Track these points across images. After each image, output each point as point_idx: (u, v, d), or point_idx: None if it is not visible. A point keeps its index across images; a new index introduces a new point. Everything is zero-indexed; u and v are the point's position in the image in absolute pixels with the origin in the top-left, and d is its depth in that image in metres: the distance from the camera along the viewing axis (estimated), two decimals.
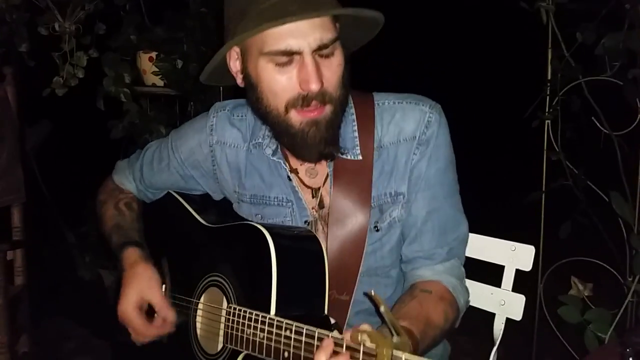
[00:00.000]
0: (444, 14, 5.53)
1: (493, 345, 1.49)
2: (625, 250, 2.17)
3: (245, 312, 1.19)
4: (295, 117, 1.21)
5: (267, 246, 1.18)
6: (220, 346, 1.28)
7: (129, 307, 1.39)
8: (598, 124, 2.23)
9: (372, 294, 0.95)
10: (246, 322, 1.18)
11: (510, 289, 1.53)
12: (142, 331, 1.40)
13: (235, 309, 1.22)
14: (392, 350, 0.91)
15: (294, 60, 1.17)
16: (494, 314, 1.55)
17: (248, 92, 1.28)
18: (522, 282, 1.56)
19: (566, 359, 2.25)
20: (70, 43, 2.60)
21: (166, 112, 3.02)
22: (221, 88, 2.73)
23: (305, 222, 1.37)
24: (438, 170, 1.33)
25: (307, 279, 1.24)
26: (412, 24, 5.51)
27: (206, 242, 1.43)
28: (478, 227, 1.54)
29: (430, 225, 1.33)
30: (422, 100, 1.35)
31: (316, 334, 1.04)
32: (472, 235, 1.50)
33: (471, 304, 1.44)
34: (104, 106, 2.76)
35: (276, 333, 1.11)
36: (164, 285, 1.48)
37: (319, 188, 1.37)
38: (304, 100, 1.19)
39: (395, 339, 0.93)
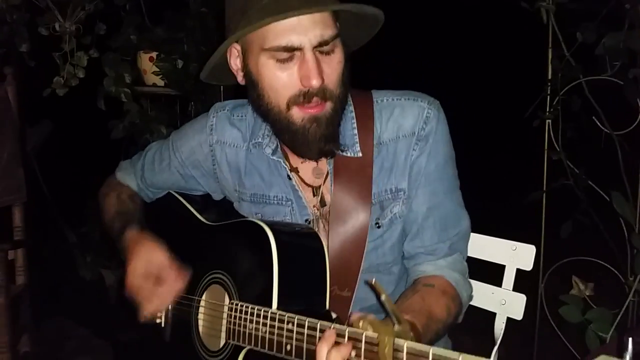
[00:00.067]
0: (445, 13, 5.53)
1: (494, 344, 1.49)
2: (626, 249, 2.17)
3: (247, 307, 1.20)
4: (297, 114, 1.21)
5: (269, 242, 1.18)
6: (222, 342, 1.28)
7: (136, 277, 1.35)
8: (599, 124, 2.23)
9: (373, 282, 0.95)
10: (248, 317, 1.19)
11: (511, 288, 1.53)
12: (154, 297, 1.35)
13: (237, 304, 1.23)
14: (394, 338, 0.91)
15: (295, 56, 1.17)
16: (494, 314, 1.55)
17: (249, 90, 1.29)
18: (523, 281, 1.56)
19: (567, 359, 2.25)
20: (71, 43, 2.61)
21: (167, 112, 3.02)
22: (222, 88, 2.73)
23: (306, 220, 1.37)
24: (438, 165, 1.33)
25: (308, 274, 1.24)
26: (413, 23, 5.51)
27: (207, 240, 1.44)
28: (479, 226, 1.54)
29: (432, 221, 1.34)
30: (420, 97, 1.35)
31: (318, 325, 1.05)
32: (473, 235, 1.49)
33: (472, 303, 1.44)
34: (105, 106, 2.77)
35: (278, 327, 1.12)
36: None
37: (319, 186, 1.37)
38: (305, 97, 1.19)
39: (396, 327, 0.93)
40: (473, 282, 1.51)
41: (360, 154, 1.32)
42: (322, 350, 0.99)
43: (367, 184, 1.32)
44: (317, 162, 1.35)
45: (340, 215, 1.32)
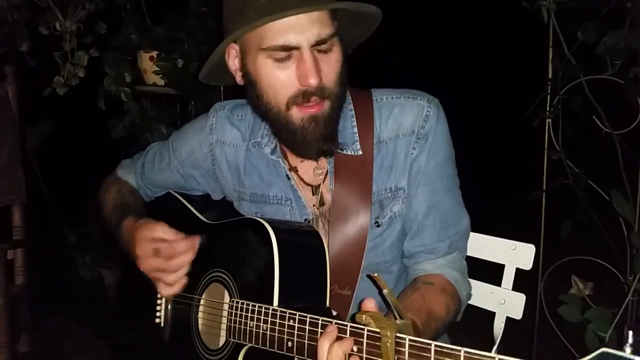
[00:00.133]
0: (445, 13, 5.53)
1: (493, 344, 1.49)
2: (626, 249, 2.17)
3: (248, 305, 1.20)
4: (297, 114, 1.21)
5: (269, 239, 1.18)
6: (223, 341, 1.28)
7: (147, 259, 1.33)
8: (599, 123, 2.23)
9: (375, 275, 0.95)
10: (249, 314, 1.19)
11: (511, 287, 1.53)
12: (172, 271, 1.32)
13: (237, 302, 1.23)
14: (396, 333, 0.91)
15: (293, 55, 1.17)
16: (494, 313, 1.55)
17: (248, 90, 1.29)
18: (522, 281, 1.56)
19: (566, 358, 2.25)
20: (71, 42, 2.61)
21: (167, 111, 3.02)
22: (222, 87, 2.73)
23: (306, 220, 1.37)
24: (437, 164, 1.33)
25: (308, 272, 1.24)
26: (413, 22, 5.51)
27: (207, 238, 1.44)
28: (478, 226, 1.54)
29: (431, 220, 1.34)
30: (420, 95, 1.35)
31: (320, 321, 1.05)
32: (472, 234, 1.50)
33: (471, 302, 1.44)
34: (105, 105, 2.77)
35: (279, 323, 1.12)
36: None
37: (319, 185, 1.37)
38: (303, 96, 1.19)
39: (399, 321, 0.93)
40: (472, 281, 1.51)
41: (360, 152, 1.32)
42: (324, 345, 0.99)
43: (367, 183, 1.32)
44: (316, 161, 1.35)
45: (341, 214, 1.32)
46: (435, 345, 0.87)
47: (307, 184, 1.37)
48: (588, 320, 1.89)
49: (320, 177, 1.37)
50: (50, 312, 3.14)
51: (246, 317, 1.19)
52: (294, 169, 1.38)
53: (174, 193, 1.59)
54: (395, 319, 0.94)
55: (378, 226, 1.34)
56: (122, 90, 2.74)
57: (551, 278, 2.40)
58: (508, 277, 1.54)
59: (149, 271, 1.35)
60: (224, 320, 1.27)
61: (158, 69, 2.78)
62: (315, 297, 1.23)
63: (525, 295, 1.51)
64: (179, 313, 1.43)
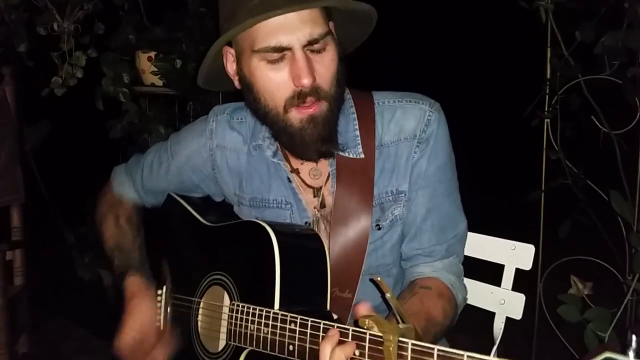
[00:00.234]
0: (443, 13, 5.53)
1: (493, 344, 1.49)
2: (625, 249, 2.17)
3: (248, 308, 1.19)
4: (295, 116, 1.21)
5: (270, 242, 1.18)
6: (223, 344, 1.28)
7: (125, 344, 1.40)
8: (597, 123, 2.23)
9: (378, 279, 0.95)
10: (250, 318, 1.18)
11: (510, 288, 1.53)
12: (143, 356, 1.41)
13: (238, 305, 1.22)
14: (399, 337, 0.91)
15: (286, 56, 1.17)
16: (493, 313, 1.56)
17: (245, 94, 1.28)
18: (521, 281, 1.56)
19: (566, 358, 2.25)
20: (69, 43, 2.60)
21: (165, 112, 3.02)
22: None
23: (306, 222, 1.37)
24: (438, 167, 1.33)
25: (309, 275, 1.24)
26: (412, 22, 5.51)
27: (208, 241, 1.44)
28: (477, 226, 1.54)
29: (430, 223, 1.34)
30: (421, 99, 1.35)
31: (322, 325, 1.04)
32: (472, 235, 1.50)
33: (471, 303, 1.44)
34: (103, 106, 2.76)
35: (280, 327, 1.12)
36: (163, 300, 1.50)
37: (320, 187, 1.36)
38: (299, 97, 1.18)
39: (401, 325, 0.93)
40: (472, 281, 1.51)
41: (362, 156, 1.32)
42: (326, 349, 0.99)
43: (369, 186, 1.32)
44: (316, 162, 1.35)
45: (342, 217, 1.32)
46: (438, 350, 0.87)
47: (309, 186, 1.37)
48: (587, 320, 1.89)
49: (320, 178, 1.36)
50: (50, 312, 3.14)
51: (247, 320, 1.19)
52: (295, 171, 1.37)
53: (174, 195, 1.58)
54: (398, 322, 0.94)
55: (379, 229, 1.34)
56: (121, 91, 2.74)
57: (550, 278, 2.40)
58: (508, 277, 1.54)
59: (123, 352, 1.41)
60: (224, 323, 1.27)
61: (156, 69, 2.78)
62: (316, 300, 1.23)
63: (525, 295, 1.51)
64: (179, 316, 1.43)
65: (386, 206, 1.34)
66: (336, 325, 1.02)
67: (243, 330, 1.20)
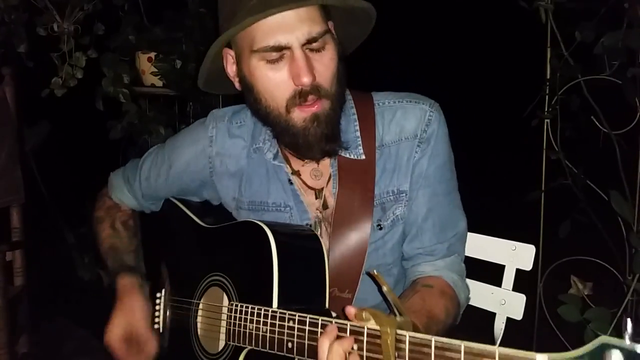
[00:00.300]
0: (443, 12, 5.53)
1: (493, 344, 1.49)
2: (625, 249, 2.17)
3: (247, 307, 1.19)
4: (298, 116, 1.20)
5: (268, 242, 1.18)
6: (222, 344, 1.28)
7: (113, 337, 1.41)
8: (597, 123, 2.23)
9: (375, 273, 0.96)
10: (248, 317, 1.19)
11: (511, 288, 1.53)
12: (128, 355, 1.42)
13: (237, 305, 1.22)
14: (396, 330, 0.91)
15: (285, 56, 1.16)
16: (494, 314, 1.56)
17: (246, 95, 1.28)
18: (521, 281, 1.56)
19: None
20: (69, 43, 2.60)
21: (165, 112, 3.02)
22: None
23: (307, 224, 1.37)
24: (438, 167, 1.34)
25: (307, 275, 1.24)
26: (412, 22, 5.51)
27: (205, 242, 1.44)
28: (478, 226, 1.54)
29: (431, 222, 1.34)
30: (421, 99, 1.35)
31: (319, 321, 1.05)
32: (472, 235, 1.50)
33: (472, 303, 1.44)
34: (103, 107, 2.76)
35: (279, 325, 1.12)
36: (160, 304, 1.51)
37: (322, 189, 1.36)
38: (300, 96, 1.18)
39: (398, 318, 0.93)
40: (473, 282, 1.51)
41: (363, 157, 1.32)
42: (324, 344, 0.99)
43: (370, 186, 1.32)
44: (317, 163, 1.35)
45: (343, 218, 1.32)
46: (436, 341, 0.87)
47: (310, 188, 1.37)
48: (587, 320, 1.89)
49: (322, 180, 1.36)
50: (50, 313, 3.14)
51: (245, 319, 1.19)
52: (296, 173, 1.37)
53: (172, 199, 1.58)
54: (395, 316, 0.94)
55: (380, 229, 1.34)
56: (121, 92, 2.74)
57: (550, 278, 2.40)
58: (508, 277, 1.54)
59: (110, 346, 1.42)
60: (223, 323, 1.27)
61: (156, 70, 2.78)
62: (315, 299, 1.23)
63: (525, 295, 1.51)
64: (178, 318, 1.43)
65: (387, 206, 1.34)
66: (334, 320, 1.02)
67: (242, 330, 1.20)
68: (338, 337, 0.99)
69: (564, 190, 2.41)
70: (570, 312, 1.92)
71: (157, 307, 1.49)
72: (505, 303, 1.53)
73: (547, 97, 2.41)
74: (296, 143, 1.24)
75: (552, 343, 2.35)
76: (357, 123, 1.34)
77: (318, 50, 1.18)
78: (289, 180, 1.37)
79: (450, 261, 1.35)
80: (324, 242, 1.28)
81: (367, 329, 0.96)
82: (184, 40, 2.83)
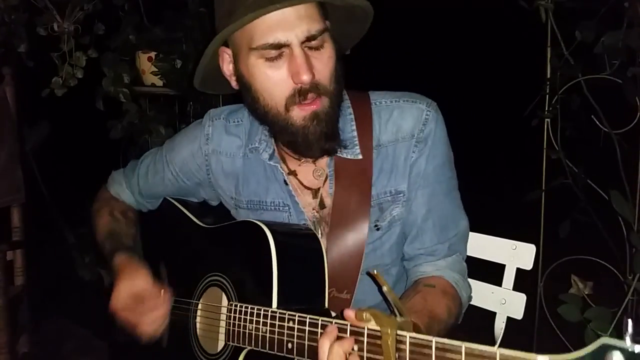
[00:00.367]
0: (443, 12, 5.53)
1: (494, 344, 1.49)
2: (625, 248, 2.16)
3: (246, 308, 1.19)
4: (297, 114, 1.20)
5: (267, 242, 1.18)
6: (221, 345, 1.28)
7: (119, 300, 1.36)
8: (598, 123, 2.23)
9: (375, 273, 0.96)
10: (248, 317, 1.19)
11: (511, 287, 1.53)
12: (140, 317, 1.36)
13: (236, 305, 1.22)
14: (397, 330, 0.91)
15: (284, 54, 1.16)
16: (494, 313, 1.56)
17: (243, 94, 1.28)
18: (522, 281, 1.56)
19: None
20: (69, 43, 2.60)
21: (165, 112, 3.02)
22: None
23: (304, 224, 1.37)
24: (436, 167, 1.33)
25: (306, 275, 1.24)
26: (412, 22, 5.51)
27: (204, 242, 1.43)
28: (478, 225, 1.54)
29: (431, 223, 1.34)
30: (418, 99, 1.35)
31: (319, 321, 1.05)
32: (472, 234, 1.50)
33: (472, 302, 1.44)
34: (103, 106, 2.76)
35: (279, 325, 1.12)
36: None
37: (319, 189, 1.36)
38: (300, 94, 1.18)
39: (399, 318, 0.93)
40: (473, 281, 1.51)
41: (360, 156, 1.32)
42: (324, 344, 0.99)
43: (367, 186, 1.32)
44: (315, 163, 1.35)
45: (341, 218, 1.32)
46: (436, 341, 0.87)
47: (307, 188, 1.37)
48: (588, 319, 1.89)
49: (320, 179, 1.36)
50: (50, 312, 3.14)
51: (245, 320, 1.19)
52: (292, 173, 1.37)
53: (170, 199, 1.58)
54: (396, 316, 0.94)
55: (377, 229, 1.34)
56: (121, 91, 2.73)
57: (551, 278, 2.40)
58: (509, 277, 1.54)
59: (118, 311, 1.37)
60: (222, 324, 1.27)
61: (156, 69, 2.77)
62: (314, 299, 1.23)
63: (525, 295, 1.51)
64: (177, 318, 1.42)
65: (385, 206, 1.34)
66: (334, 321, 1.02)
67: (241, 330, 1.20)
68: (338, 338, 0.99)
69: (564, 189, 2.41)
70: (570, 312, 1.92)
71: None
72: (505, 302, 1.53)
73: (547, 96, 2.40)
74: (295, 142, 1.24)
75: (553, 342, 2.35)
76: (353, 123, 1.33)
77: (317, 49, 1.18)
78: (285, 180, 1.36)
79: (451, 260, 1.35)
80: (322, 242, 1.27)
81: (368, 329, 0.96)
82: (184, 40, 2.83)
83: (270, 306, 1.15)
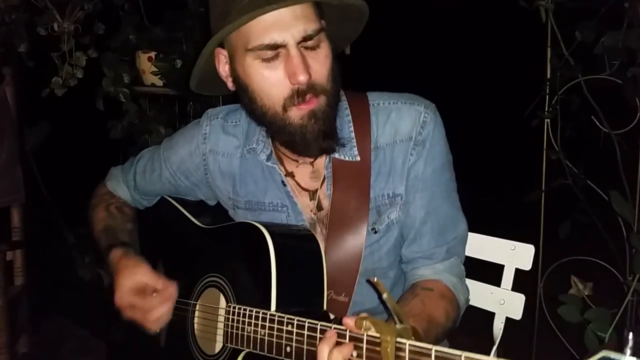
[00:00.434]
0: (444, 12, 5.53)
1: (493, 344, 1.49)
2: (625, 249, 2.16)
3: (245, 310, 1.19)
4: (295, 114, 1.19)
5: (266, 243, 1.17)
6: (220, 346, 1.27)
7: (124, 293, 1.35)
8: (597, 123, 2.23)
9: (375, 280, 0.95)
10: (246, 320, 1.18)
11: (510, 288, 1.53)
12: (148, 308, 1.34)
13: (234, 307, 1.22)
14: (396, 338, 0.91)
15: (280, 54, 1.16)
16: (493, 314, 1.55)
17: (240, 95, 1.27)
18: (522, 281, 1.56)
19: (566, 359, 2.25)
20: (69, 43, 2.60)
21: (165, 112, 3.02)
22: None
23: (302, 226, 1.36)
24: (435, 170, 1.32)
25: (305, 276, 1.23)
26: (412, 22, 5.51)
27: (203, 243, 1.43)
28: (477, 226, 1.53)
29: (429, 226, 1.33)
30: (417, 100, 1.34)
31: (318, 326, 1.04)
32: (471, 235, 1.50)
33: (471, 303, 1.44)
34: (103, 106, 2.76)
35: (277, 329, 1.12)
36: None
37: (316, 190, 1.36)
38: (298, 96, 1.17)
39: (398, 326, 0.93)
40: (472, 281, 1.51)
41: (358, 158, 1.31)
42: (324, 350, 0.99)
43: (365, 189, 1.31)
44: (312, 164, 1.34)
45: (338, 220, 1.31)
46: (436, 350, 0.87)
47: (304, 189, 1.36)
48: (588, 320, 1.89)
49: (318, 181, 1.35)
50: (50, 312, 3.14)
51: (243, 322, 1.19)
52: (290, 175, 1.36)
53: (168, 198, 1.58)
54: (395, 323, 0.94)
55: (375, 232, 1.33)
56: (121, 91, 2.74)
57: (551, 278, 2.40)
58: (507, 277, 1.54)
59: (124, 307, 1.37)
60: (221, 325, 1.26)
61: (156, 69, 2.77)
62: (313, 299, 1.22)
63: (525, 295, 1.51)
64: (175, 319, 1.42)
65: (382, 210, 1.33)
66: (333, 326, 1.02)
67: (240, 332, 1.19)
68: (337, 344, 0.99)
69: (564, 190, 2.41)
70: (570, 313, 1.92)
71: None
72: (504, 303, 1.53)
73: (547, 97, 2.40)
74: (293, 141, 1.23)
75: (552, 343, 2.35)
76: (351, 124, 1.32)
77: (313, 49, 1.17)
78: (283, 181, 1.36)
79: (449, 264, 1.34)
80: (321, 243, 1.27)
81: (367, 335, 0.96)
82: (184, 40, 2.83)
83: (269, 308, 1.15)
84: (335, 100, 1.25)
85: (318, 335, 1.04)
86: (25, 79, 2.74)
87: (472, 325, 1.62)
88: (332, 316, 1.21)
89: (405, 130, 1.31)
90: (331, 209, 1.32)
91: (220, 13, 1.20)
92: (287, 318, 1.10)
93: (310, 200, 1.36)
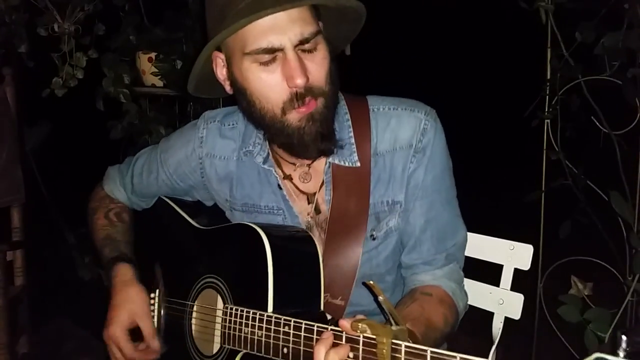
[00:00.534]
0: (443, 13, 5.53)
1: (492, 344, 1.49)
2: (625, 249, 2.16)
3: (242, 311, 1.19)
4: (294, 117, 1.19)
5: (263, 245, 1.17)
6: (217, 347, 1.27)
7: (118, 330, 1.38)
8: (597, 124, 2.23)
9: (371, 283, 0.95)
10: (244, 321, 1.18)
11: (509, 288, 1.53)
12: (128, 355, 1.39)
13: (232, 308, 1.22)
14: (392, 339, 0.91)
15: (278, 57, 1.15)
16: (492, 313, 1.55)
17: (238, 98, 1.27)
18: (521, 281, 1.56)
19: (566, 359, 2.25)
20: (70, 44, 2.61)
21: (166, 112, 3.02)
22: None
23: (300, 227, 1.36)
24: (435, 177, 1.32)
25: (302, 277, 1.24)
26: (412, 23, 5.51)
27: (200, 244, 1.43)
28: (477, 226, 1.54)
29: (429, 234, 1.33)
30: (417, 107, 1.33)
31: (315, 327, 1.05)
32: (471, 235, 1.50)
33: (470, 303, 1.44)
34: (104, 107, 2.77)
35: (274, 330, 1.12)
36: (156, 302, 1.49)
37: (314, 194, 1.35)
38: (297, 99, 1.17)
39: (394, 327, 0.93)
40: (471, 281, 1.51)
41: (358, 164, 1.30)
42: (320, 351, 0.99)
43: (365, 195, 1.31)
44: (309, 166, 1.34)
45: (338, 226, 1.31)
46: (431, 351, 0.87)
47: (302, 192, 1.36)
48: (587, 320, 1.89)
49: (313, 184, 1.35)
50: (50, 313, 3.14)
51: (241, 323, 1.19)
52: (287, 177, 1.36)
53: (165, 199, 1.58)
54: (391, 325, 0.94)
55: (374, 239, 1.33)
56: (121, 92, 2.74)
57: (550, 278, 2.40)
58: (506, 277, 1.54)
59: (112, 341, 1.40)
60: (218, 326, 1.27)
61: (157, 70, 2.77)
62: (310, 300, 1.23)
63: (525, 295, 1.51)
64: (172, 319, 1.42)
65: (381, 216, 1.33)
66: (330, 327, 1.02)
67: (237, 333, 1.20)
68: (334, 345, 0.99)
69: (564, 190, 2.41)
70: (570, 313, 1.92)
71: (151, 308, 1.48)
72: (503, 303, 1.53)
73: (547, 97, 2.40)
74: (291, 143, 1.23)
75: (552, 344, 2.35)
76: (351, 129, 1.32)
77: (310, 51, 1.17)
78: (279, 185, 1.36)
79: (449, 270, 1.34)
80: (318, 247, 1.27)
81: (363, 337, 0.96)
82: (185, 41, 2.83)
83: (266, 309, 1.15)
84: (334, 101, 1.24)
85: (315, 336, 1.04)
86: (25, 79, 2.74)
87: (471, 325, 1.62)
88: (328, 317, 1.21)
89: (405, 138, 1.30)
90: (331, 214, 1.31)
91: (216, 17, 1.20)
92: (284, 319, 1.10)
93: (308, 203, 1.35)
